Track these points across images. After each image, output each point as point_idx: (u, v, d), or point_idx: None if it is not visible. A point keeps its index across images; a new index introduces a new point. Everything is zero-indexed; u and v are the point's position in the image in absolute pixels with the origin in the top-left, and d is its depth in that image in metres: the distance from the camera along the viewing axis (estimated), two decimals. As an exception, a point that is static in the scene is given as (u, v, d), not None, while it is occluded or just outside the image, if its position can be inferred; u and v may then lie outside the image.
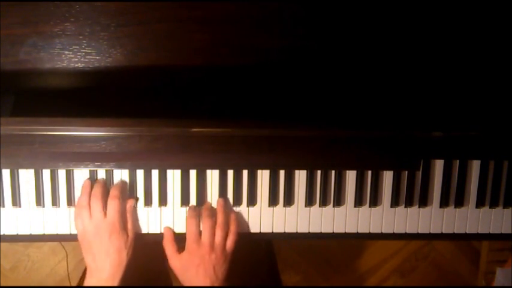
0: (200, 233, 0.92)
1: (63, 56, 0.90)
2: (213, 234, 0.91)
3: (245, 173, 0.97)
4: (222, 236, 0.92)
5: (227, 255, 0.92)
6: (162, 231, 0.96)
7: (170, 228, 0.96)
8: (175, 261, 0.92)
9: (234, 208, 0.98)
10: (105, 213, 0.90)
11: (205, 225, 0.91)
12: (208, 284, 0.89)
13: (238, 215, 0.97)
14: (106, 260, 0.89)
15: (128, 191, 0.95)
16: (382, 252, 1.84)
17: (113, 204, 0.90)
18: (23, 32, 0.88)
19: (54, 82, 0.92)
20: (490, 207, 1.01)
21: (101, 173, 0.95)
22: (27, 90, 0.92)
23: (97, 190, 0.91)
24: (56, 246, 1.69)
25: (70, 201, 0.95)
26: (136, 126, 0.87)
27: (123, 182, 0.95)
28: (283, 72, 0.94)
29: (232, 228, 0.94)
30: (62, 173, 0.94)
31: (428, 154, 0.98)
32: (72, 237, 0.95)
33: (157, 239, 0.98)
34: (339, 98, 0.95)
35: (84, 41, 0.89)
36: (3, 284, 1.71)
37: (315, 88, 0.96)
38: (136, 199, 0.95)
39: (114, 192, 0.91)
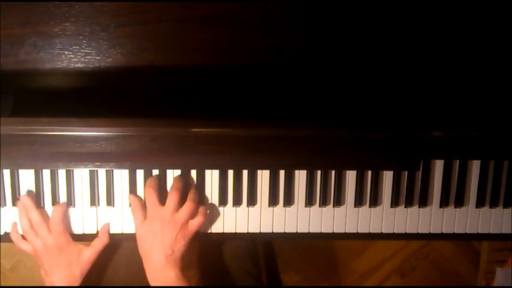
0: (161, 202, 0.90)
1: (63, 56, 0.90)
2: (177, 208, 0.89)
3: (245, 173, 0.97)
4: (187, 211, 0.90)
5: (188, 233, 0.90)
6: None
7: (135, 194, 0.94)
8: (138, 229, 0.91)
9: (234, 208, 0.98)
10: (49, 231, 0.91)
11: (171, 195, 0.90)
12: (161, 255, 0.87)
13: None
14: (58, 276, 0.91)
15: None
16: (382, 252, 1.84)
17: (55, 224, 0.91)
18: (23, 32, 0.88)
19: (54, 82, 0.92)
20: (490, 207, 1.01)
21: (101, 173, 0.95)
22: (27, 90, 0.92)
23: (34, 215, 0.91)
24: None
25: (70, 202, 0.95)
26: (136, 126, 0.87)
27: (62, 204, 0.94)
28: (284, 72, 0.94)
29: (202, 211, 0.92)
30: (62, 173, 0.95)
31: (428, 154, 0.98)
32: (72, 237, 0.95)
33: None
34: (339, 98, 0.95)
35: (84, 41, 0.89)
36: (3, 284, 1.71)
37: (315, 88, 0.96)
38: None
39: (54, 214, 0.92)
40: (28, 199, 0.92)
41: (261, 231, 0.99)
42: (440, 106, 0.95)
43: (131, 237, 0.97)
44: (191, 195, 0.92)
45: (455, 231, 1.01)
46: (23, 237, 0.93)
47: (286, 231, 0.99)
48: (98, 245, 0.94)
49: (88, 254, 0.93)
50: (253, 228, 0.99)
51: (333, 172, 0.98)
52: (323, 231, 0.99)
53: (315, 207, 0.99)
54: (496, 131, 0.96)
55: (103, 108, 0.90)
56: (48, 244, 0.91)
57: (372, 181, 0.99)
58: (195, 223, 0.91)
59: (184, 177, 0.95)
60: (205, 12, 0.89)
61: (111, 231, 0.96)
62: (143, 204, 0.93)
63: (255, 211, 0.98)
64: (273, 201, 0.98)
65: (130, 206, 0.94)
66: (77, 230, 0.96)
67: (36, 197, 0.94)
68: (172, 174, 0.96)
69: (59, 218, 0.92)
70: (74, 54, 0.90)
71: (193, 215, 0.91)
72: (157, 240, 0.88)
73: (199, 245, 1.02)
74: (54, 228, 0.91)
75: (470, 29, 0.94)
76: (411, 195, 0.99)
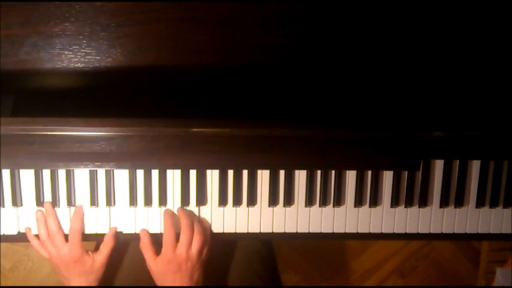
0: (177, 239, 0.93)
1: (63, 56, 0.90)
2: (190, 244, 0.92)
3: (245, 173, 0.97)
4: (199, 246, 0.93)
5: (202, 261, 0.94)
6: (162, 232, 0.96)
7: (146, 231, 0.96)
8: (153, 265, 0.93)
9: (234, 208, 0.98)
10: (66, 240, 0.93)
11: (184, 236, 0.92)
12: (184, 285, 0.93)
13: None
14: (75, 282, 0.94)
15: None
16: (382, 252, 1.84)
17: (74, 236, 0.93)
18: (23, 32, 0.88)
19: (54, 82, 0.92)
20: (490, 207, 1.01)
21: (101, 173, 0.95)
22: (27, 90, 0.92)
23: (52, 224, 0.93)
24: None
25: (70, 201, 0.95)
26: (136, 126, 0.88)
27: (80, 209, 0.95)
28: (284, 72, 0.94)
29: (207, 238, 0.96)
30: (62, 173, 0.95)
31: (428, 154, 0.98)
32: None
33: (157, 238, 0.99)
34: (339, 98, 0.95)
35: (84, 41, 0.89)
36: (3, 284, 1.71)
37: (315, 88, 0.96)
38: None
39: (74, 224, 0.93)
40: (50, 206, 0.94)
41: (261, 231, 0.99)
42: (440, 106, 0.95)
43: (131, 237, 0.98)
44: (197, 229, 0.94)
45: (455, 231, 1.01)
46: None
47: (286, 231, 0.99)
48: (104, 249, 0.95)
49: (99, 259, 0.94)
50: (253, 228, 0.99)
51: (333, 172, 0.98)
52: (323, 231, 0.99)
53: (315, 207, 0.99)
54: (496, 131, 0.96)
55: (103, 108, 0.90)
56: (63, 255, 0.93)
57: (372, 181, 0.99)
58: (206, 252, 0.95)
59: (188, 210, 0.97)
60: (205, 12, 0.89)
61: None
62: (152, 241, 0.95)
63: (255, 211, 0.98)
64: (273, 201, 0.98)
65: (140, 242, 0.95)
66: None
67: (37, 197, 0.94)
68: (172, 174, 0.96)
69: (78, 228, 0.93)
70: (74, 54, 0.90)
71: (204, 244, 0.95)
72: (177, 279, 0.92)
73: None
74: (72, 239, 0.93)
75: (470, 29, 0.94)
76: (411, 195, 0.99)
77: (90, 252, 0.94)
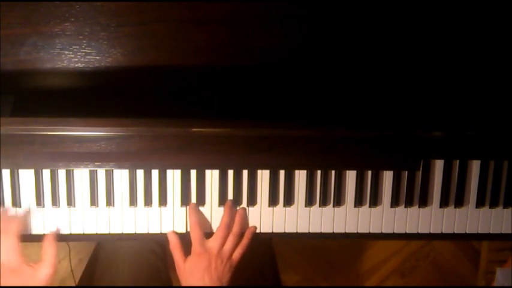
0: (204, 234, 0.93)
1: (63, 56, 0.90)
2: (223, 242, 0.92)
3: (245, 173, 0.97)
4: (232, 245, 0.93)
5: (233, 263, 0.94)
6: (162, 232, 0.96)
7: (174, 232, 0.96)
8: (182, 266, 0.93)
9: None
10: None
11: (219, 233, 0.92)
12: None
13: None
14: None
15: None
16: (382, 252, 1.84)
17: (8, 238, 0.84)
18: (23, 32, 0.88)
19: (54, 82, 0.92)
20: (490, 207, 1.01)
21: (101, 173, 0.95)
22: (27, 90, 0.92)
23: None
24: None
25: (70, 202, 0.95)
26: (137, 126, 0.88)
27: (21, 217, 0.91)
28: (283, 72, 0.94)
29: (244, 242, 0.95)
30: (62, 173, 0.95)
31: (428, 154, 0.98)
32: (72, 238, 0.95)
33: (156, 238, 0.99)
34: (339, 98, 0.95)
35: (84, 41, 0.89)
36: (3, 284, 1.70)
37: (315, 88, 0.96)
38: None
39: (11, 226, 0.85)
40: (8, 207, 0.89)
41: (261, 231, 0.99)
42: (440, 106, 0.95)
43: (131, 237, 0.98)
44: (235, 230, 0.94)
45: (455, 231, 1.01)
46: None
47: (286, 231, 0.99)
48: (49, 255, 0.87)
49: (43, 271, 0.85)
50: (253, 228, 0.99)
51: (333, 172, 0.98)
52: (323, 231, 0.99)
53: (315, 207, 0.99)
54: (495, 131, 0.96)
55: (103, 108, 0.90)
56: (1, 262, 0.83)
57: (372, 181, 0.99)
58: (237, 255, 0.94)
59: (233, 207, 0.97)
60: (205, 12, 0.89)
61: (111, 231, 0.96)
62: (181, 243, 0.94)
63: (255, 211, 0.98)
64: (273, 201, 0.98)
65: (170, 244, 0.94)
66: (77, 230, 0.96)
67: (37, 197, 0.94)
68: (172, 174, 0.96)
69: (14, 230, 0.85)
70: (74, 54, 0.90)
71: (236, 246, 0.95)
72: (207, 274, 0.90)
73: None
74: (4, 242, 0.84)
75: (469, 29, 0.94)
76: (411, 195, 0.99)
77: (32, 264, 0.85)
